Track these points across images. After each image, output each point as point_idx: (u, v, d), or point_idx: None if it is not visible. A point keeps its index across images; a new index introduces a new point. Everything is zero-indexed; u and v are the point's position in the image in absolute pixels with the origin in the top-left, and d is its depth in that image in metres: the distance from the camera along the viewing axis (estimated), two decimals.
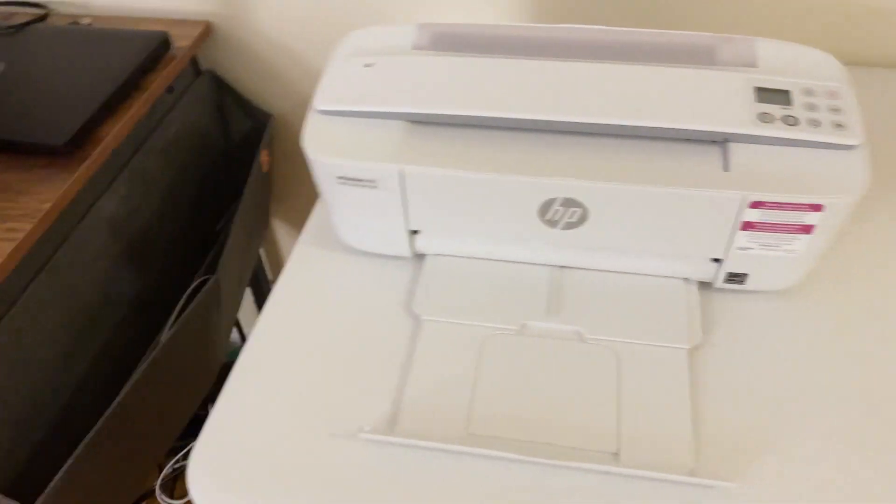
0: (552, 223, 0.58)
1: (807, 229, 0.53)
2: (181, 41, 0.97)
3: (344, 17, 0.97)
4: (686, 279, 0.61)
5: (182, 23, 1.01)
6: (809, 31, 0.87)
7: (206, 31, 1.01)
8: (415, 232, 0.63)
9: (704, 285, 0.61)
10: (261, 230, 1.18)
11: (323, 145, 0.58)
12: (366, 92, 0.58)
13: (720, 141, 0.54)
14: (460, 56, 0.60)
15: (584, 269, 0.63)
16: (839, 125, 0.53)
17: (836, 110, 0.54)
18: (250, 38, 1.03)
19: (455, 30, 0.63)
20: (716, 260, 0.59)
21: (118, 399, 0.77)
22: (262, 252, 1.38)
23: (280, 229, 1.33)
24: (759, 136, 0.53)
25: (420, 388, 0.55)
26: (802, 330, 0.59)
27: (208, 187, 1.12)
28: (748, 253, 0.56)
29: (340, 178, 0.58)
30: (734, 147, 0.53)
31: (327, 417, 0.55)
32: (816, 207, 0.52)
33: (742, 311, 0.60)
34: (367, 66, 0.60)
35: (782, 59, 0.58)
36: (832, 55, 0.59)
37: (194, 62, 1.04)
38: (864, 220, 0.67)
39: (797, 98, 0.54)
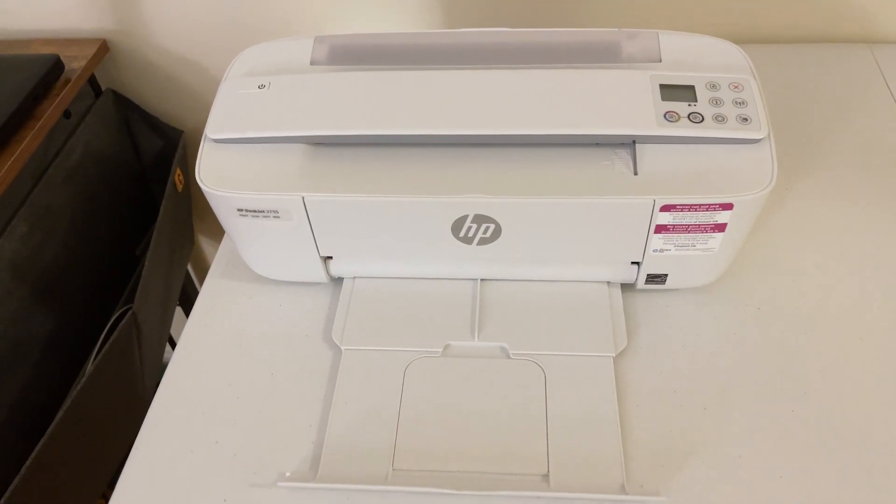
0: (467, 240, 0.56)
1: (720, 227, 0.53)
2: (75, 62, 0.91)
3: (245, 25, 0.93)
4: (608, 282, 0.60)
5: (75, 42, 0.95)
6: (709, 11, 0.86)
7: (103, 49, 0.95)
8: (328, 257, 0.60)
9: (627, 286, 0.61)
10: (184, 249, 1.14)
11: (218, 177, 0.55)
12: (261, 116, 0.55)
13: (628, 143, 0.53)
14: (358, 70, 0.57)
15: (507, 280, 0.61)
16: (744, 119, 0.52)
17: (740, 103, 0.53)
18: (151, 52, 0.98)
19: (353, 41, 0.60)
20: (635, 263, 0.58)
21: (34, 453, 0.73)
22: (190, 268, 1.33)
23: (207, 245, 1.29)
24: (665, 137, 0.52)
25: (342, 424, 0.53)
26: (724, 325, 0.58)
27: (124, 211, 1.06)
28: (665, 254, 0.55)
29: (240, 210, 0.55)
30: (642, 149, 0.52)
31: (246, 465, 0.52)
32: (727, 206, 0.51)
33: (665, 310, 0.59)
34: (260, 87, 0.57)
35: (686, 52, 0.57)
36: (734, 43, 0.58)
37: (93, 82, 0.98)
38: (777, 206, 0.66)
39: (702, 93, 0.53)
